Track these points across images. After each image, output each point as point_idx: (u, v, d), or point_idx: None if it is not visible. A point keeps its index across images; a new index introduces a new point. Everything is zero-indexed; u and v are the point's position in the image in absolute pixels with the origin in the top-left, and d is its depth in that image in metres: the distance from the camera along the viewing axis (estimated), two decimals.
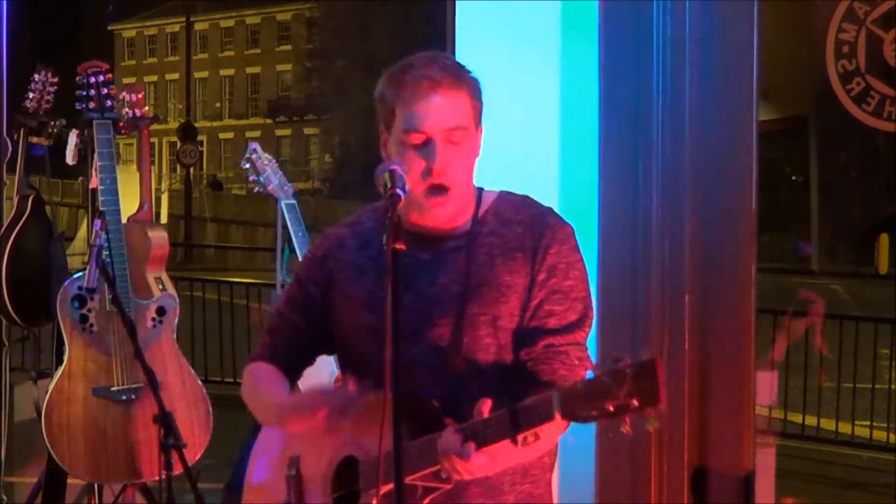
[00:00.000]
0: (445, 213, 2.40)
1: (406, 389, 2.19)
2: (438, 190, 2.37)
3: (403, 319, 2.17)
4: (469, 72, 2.41)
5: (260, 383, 2.54)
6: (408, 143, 2.36)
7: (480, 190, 2.48)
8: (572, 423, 2.17)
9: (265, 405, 2.52)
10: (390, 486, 2.11)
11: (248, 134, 40.90)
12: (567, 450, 2.92)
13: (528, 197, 2.49)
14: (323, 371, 2.69)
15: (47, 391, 4.27)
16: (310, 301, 2.52)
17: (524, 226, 2.41)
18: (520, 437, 2.13)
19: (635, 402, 2.00)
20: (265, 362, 2.55)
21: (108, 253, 4.14)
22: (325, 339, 2.53)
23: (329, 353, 2.57)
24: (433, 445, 2.21)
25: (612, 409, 2.02)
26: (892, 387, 7.91)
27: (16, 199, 4.75)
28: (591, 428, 3.18)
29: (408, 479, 2.17)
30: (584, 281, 2.42)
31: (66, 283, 4.29)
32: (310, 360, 2.58)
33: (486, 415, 2.17)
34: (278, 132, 42.85)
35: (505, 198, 2.48)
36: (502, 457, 2.21)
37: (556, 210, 2.47)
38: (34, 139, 4.77)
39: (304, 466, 2.47)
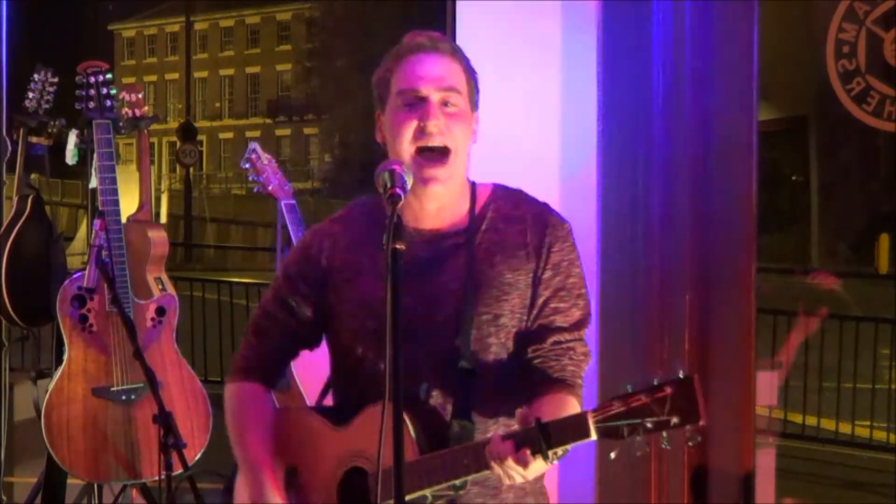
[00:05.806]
0: (441, 192, 2.36)
1: (408, 393, 2.18)
2: (434, 153, 2.32)
3: (404, 321, 2.10)
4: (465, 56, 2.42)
5: (241, 422, 2.48)
6: (402, 106, 2.33)
7: (474, 184, 2.44)
8: None
9: (237, 446, 2.47)
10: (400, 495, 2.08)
11: (248, 134, 40.88)
12: None
13: (522, 191, 2.47)
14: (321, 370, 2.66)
15: (47, 391, 4.26)
16: (301, 300, 2.45)
17: (525, 223, 2.39)
18: (550, 453, 2.14)
19: (676, 419, 2.04)
20: (250, 381, 2.49)
21: (107, 253, 4.14)
22: (313, 336, 2.50)
23: (312, 349, 2.53)
24: (474, 454, 2.19)
25: (650, 425, 2.06)
26: (893, 387, 7.90)
27: (15, 199, 4.75)
28: None
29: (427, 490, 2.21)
30: (583, 278, 2.42)
31: (65, 283, 4.29)
32: (295, 357, 2.55)
33: (531, 423, 2.16)
34: (278, 132, 42.79)
35: (500, 192, 2.45)
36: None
37: (557, 209, 2.46)
38: (34, 139, 4.77)
39: (304, 476, 2.43)
